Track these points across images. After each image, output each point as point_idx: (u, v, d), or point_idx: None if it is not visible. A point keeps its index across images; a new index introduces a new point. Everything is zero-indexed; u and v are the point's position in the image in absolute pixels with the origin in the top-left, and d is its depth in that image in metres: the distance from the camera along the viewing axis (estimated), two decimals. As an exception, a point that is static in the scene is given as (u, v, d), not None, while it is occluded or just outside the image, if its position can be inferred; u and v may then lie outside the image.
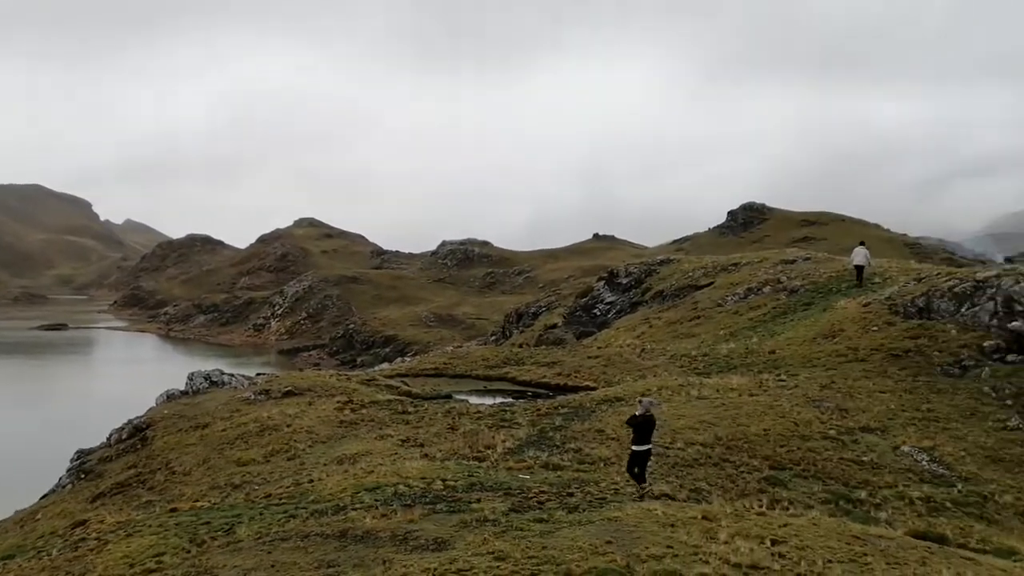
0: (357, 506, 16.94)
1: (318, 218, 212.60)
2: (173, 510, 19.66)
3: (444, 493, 17.73)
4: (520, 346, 56.90)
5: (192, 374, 36.82)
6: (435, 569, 12.86)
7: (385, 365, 49.01)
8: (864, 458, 23.23)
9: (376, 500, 17.14)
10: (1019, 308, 30.83)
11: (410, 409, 28.15)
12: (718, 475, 21.18)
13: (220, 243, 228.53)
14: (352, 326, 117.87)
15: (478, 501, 16.86)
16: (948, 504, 21.00)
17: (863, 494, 21.00)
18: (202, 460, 25.90)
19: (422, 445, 23.95)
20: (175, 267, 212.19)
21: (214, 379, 35.70)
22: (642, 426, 17.29)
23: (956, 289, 33.34)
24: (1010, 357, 29.35)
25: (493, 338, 77.51)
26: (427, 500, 17.08)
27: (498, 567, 12.88)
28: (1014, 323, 30.24)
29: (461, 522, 15.29)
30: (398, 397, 30.51)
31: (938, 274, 37.79)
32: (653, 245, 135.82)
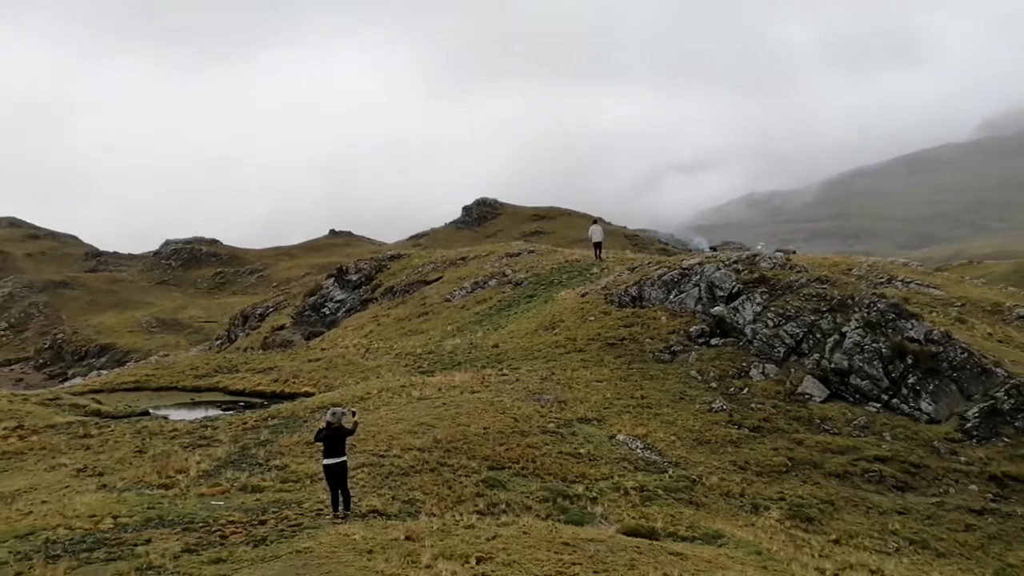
0: (-15, 566, 13.86)
1: (21, 217, 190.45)
2: None
3: (109, 535, 15.03)
4: (245, 350, 53.24)
5: None
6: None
7: (77, 380, 43.67)
8: (582, 450, 23.03)
9: (14, 554, 14.10)
10: (720, 293, 32.44)
11: (93, 432, 24.56)
12: (434, 482, 19.93)
13: None
14: (61, 336, 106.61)
15: (148, 542, 14.40)
16: (660, 491, 21.15)
17: (580, 488, 20.64)
18: None
19: (101, 474, 20.77)
20: None
21: None
22: (331, 438, 15.79)
23: (665, 277, 34.60)
24: (714, 340, 30.72)
25: (218, 342, 72.47)
26: (84, 547, 14.33)
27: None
28: (716, 308, 31.74)
29: (117, 573, 12.83)
30: (82, 418, 26.63)
31: (649, 263, 39.27)
32: (392, 241, 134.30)
